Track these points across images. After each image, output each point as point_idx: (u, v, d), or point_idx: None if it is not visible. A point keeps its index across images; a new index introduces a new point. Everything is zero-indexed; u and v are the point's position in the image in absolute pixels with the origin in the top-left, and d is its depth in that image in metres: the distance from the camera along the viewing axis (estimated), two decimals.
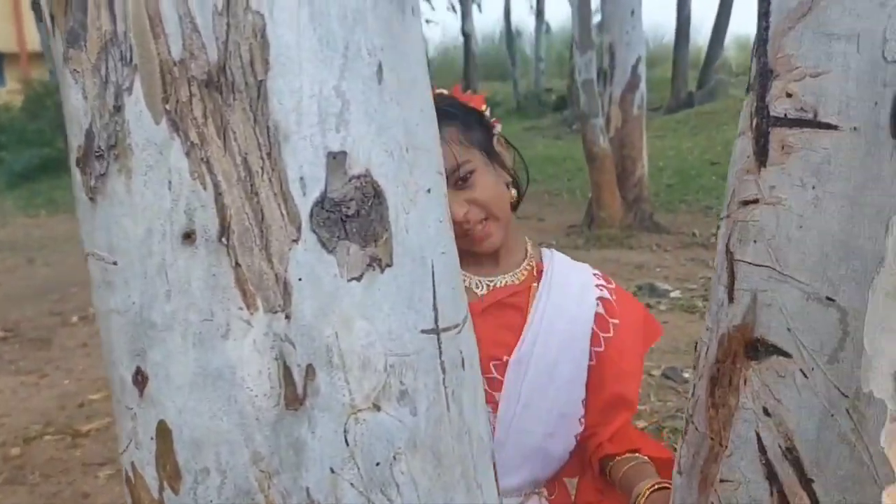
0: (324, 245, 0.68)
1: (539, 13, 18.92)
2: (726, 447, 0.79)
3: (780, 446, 0.73)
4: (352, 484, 0.72)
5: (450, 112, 1.27)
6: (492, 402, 1.29)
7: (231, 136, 0.65)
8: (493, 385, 1.31)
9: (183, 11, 0.63)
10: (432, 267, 0.76)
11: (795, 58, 0.68)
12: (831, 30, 0.65)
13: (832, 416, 0.68)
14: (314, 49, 0.66)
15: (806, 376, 0.70)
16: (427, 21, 20.63)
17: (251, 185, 0.66)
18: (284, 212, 0.67)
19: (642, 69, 8.11)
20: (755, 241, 0.74)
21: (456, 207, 1.23)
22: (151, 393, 0.72)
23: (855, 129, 0.64)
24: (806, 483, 0.71)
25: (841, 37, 0.64)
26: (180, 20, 0.63)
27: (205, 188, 0.66)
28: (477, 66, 15.94)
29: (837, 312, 0.67)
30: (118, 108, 0.65)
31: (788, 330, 0.71)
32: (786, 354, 0.71)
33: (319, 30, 0.66)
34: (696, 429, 0.86)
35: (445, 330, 0.77)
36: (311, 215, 0.67)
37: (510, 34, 19.88)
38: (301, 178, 0.67)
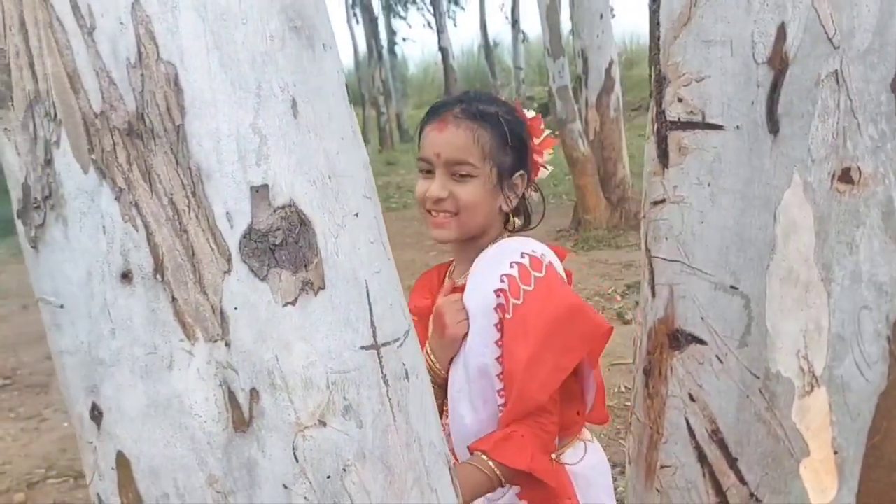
0: (255, 274, 0.72)
1: (515, 22, 19.03)
2: (662, 434, 0.83)
3: (706, 430, 0.77)
4: (305, 498, 0.76)
5: (498, 120, 1.34)
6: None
7: (156, 178, 0.69)
8: None
9: (98, 67, 0.67)
10: (367, 286, 0.80)
11: (682, 64, 0.72)
12: (708, 36, 0.69)
13: (747, 397, 0.72)
14: (227, 91, 0.70)
15: (721, 361, 0.74)
16: (404, 39, 20.72)
17: (179, 224, 0.70)
18: (214, 246, 0.71)
19: (616, 72, 8.16)
20: (666, 238, 0.78)
21: (434, 187, 1.31)
22: (107, 426, 0.76)
23: (738, 127, 0.68)
24: (732, 462, 0.75)
25: (717, 42, 0.69)
26: (97, 75, 0.67)
27: (136, 230, 0.70)
28: (457, 80, 16.06)
29: (742, 300, 0.71)
30: (49, 162, 0.70)
31: (702, 319, 0.75)
32: (702, 342, 0.76)
33: (231, 73, 0.70)
34: (638, 419, 0.90)
35: (385, 345, 0.81)
36: (240, 247, 0.71)
37: (487, 46, 20.02)
38: (227, 213, 0.71)
